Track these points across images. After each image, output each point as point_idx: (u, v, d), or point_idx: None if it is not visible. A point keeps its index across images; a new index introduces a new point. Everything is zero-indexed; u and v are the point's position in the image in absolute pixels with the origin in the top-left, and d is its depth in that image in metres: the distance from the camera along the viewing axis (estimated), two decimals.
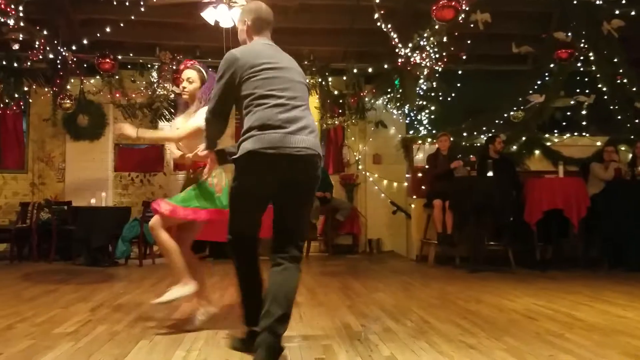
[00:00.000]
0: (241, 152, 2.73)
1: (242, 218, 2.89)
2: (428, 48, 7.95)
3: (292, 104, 2.78)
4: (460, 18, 7.04)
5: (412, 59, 8.04)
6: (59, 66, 8.45)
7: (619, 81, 8.43)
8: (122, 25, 7.91)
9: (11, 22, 7.03)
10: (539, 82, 8.61)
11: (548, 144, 8.58)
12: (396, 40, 7.89)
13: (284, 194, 2.80)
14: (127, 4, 7.48)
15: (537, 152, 8.53)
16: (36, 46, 7.86)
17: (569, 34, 8.19)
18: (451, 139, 7.87)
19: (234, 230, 2.89)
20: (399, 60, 8.15)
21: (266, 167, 2.71)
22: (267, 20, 3.07)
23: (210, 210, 3.54)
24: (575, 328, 3.57)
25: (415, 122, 9.10)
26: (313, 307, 4.37)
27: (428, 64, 8.06)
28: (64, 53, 8.27)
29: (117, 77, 8.71)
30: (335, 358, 2.87)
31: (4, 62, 8.28)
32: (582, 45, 8.34)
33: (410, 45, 8.01)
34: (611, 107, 8.52)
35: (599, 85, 8.60)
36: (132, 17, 7.68)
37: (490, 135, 7.91)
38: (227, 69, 2.84)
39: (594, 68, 8.59)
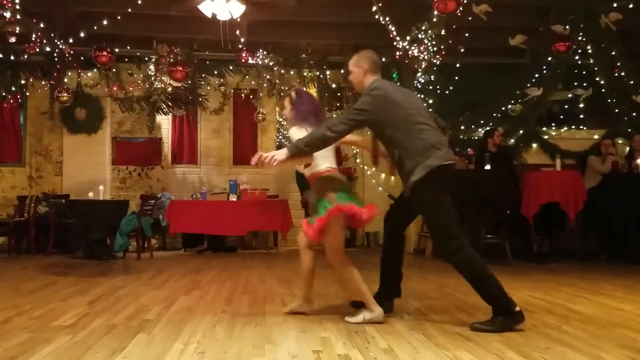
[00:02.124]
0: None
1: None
2: (426, 41, 7.94)
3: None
4: (458, 11, 7.01)
5: (410, 52, 8.03)
6: (56, 59, 8.44)
7: (616, 74, 8.43)
8: (119, 18, 7.88)
9: (8, 14, 7.00)
10: (536, 75, 8.59)
11: (545, 137, 8.58)
12: (394, 33, 7.87)
13: None
14: None
15: (534, 145, 8.54)
16: (33, 39, 7.83)
17: (567, 27, 8.17)
18: (449, 132, 7.85)
19: (460, 235, 3.38)
20: (397, 53, 8.13)
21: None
22: (379, 63, 3.70)
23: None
24: (572, 320, 3.59)
25: None
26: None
27: (426, 57, 8.04)
28: (61, 46, 8.25)
29: (114, 70, 8.70)
30: (333, 350, 2.88)
31: (1, 55, 8.25)
32: (580, 38, 8.32)
33: (408, 38, 7.99)
34: (609, 100, 8.52)
35: (597, 79, 8.60)
36: (129, 10, 7.65)
37: (488, 128, 7.90)
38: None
39: (592, 61, 8.59)
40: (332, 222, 3.46)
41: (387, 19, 7.71)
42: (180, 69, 8.31)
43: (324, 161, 3.62)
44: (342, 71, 8.86)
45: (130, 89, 8.76)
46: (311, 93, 3.93)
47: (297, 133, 3.60)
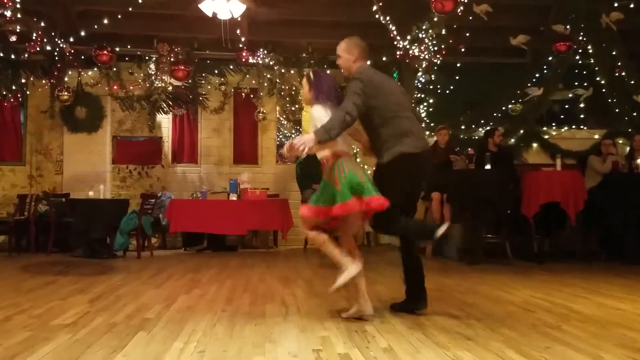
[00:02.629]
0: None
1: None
2: (427, 40, 7.94)
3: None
4: (459, 10, 7.01)
5: (410, 52, 8.03)
6: (56, 58, 8.44)
7: (617, 74, 8.43)
8: (119, 17, 7.87)
9: (8, 13, 6.99)
10: (537, 75, 8.59)
11: (546, 137, 8.58)
12: (395, 32, 7.87)
13: None
14: None
15: (535, 145, 8.53)
16: (34, 38, 7.83)
17: (568, 26, 8.17)
18: (450, 132, 7.87)
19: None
20: (398, 52, 8.13)
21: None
22: (367, 50, 3.95)
23: (325, 208, 3.54)
24: (572, 320, 3.59)
25: None
26: (311, 298, 4.39)
27: (427, 57, 8.05)
28: (61, 45, 8.25)
29: (114, 69, 8.70)
30: (333, 349, 2.88)
31: (1, 54, 8.26)
32: (580, 37, 8.32)
33: (409, 37, 7.99)
34: (609, 100, 8.52)
35: (598, 78, 8.60)
36: (130, 9, 7.65)
37: (489, 128, 7.91)
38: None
39: (592, 61, 8.59)
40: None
41: (388, 18, 7.70)
42: (182, 67, 8.31)
43: (342, 145, 3.64)
44: (343, 70, 8.86)
45: (131, 88, 8.77)
46: (328, 73, 3.95)
47: (321, 112, 3.62)
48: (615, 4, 8.03)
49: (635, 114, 8.41)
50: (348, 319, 3.58)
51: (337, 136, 3.52)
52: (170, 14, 8.27)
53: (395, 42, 8.00)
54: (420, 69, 8.31)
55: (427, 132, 8.56)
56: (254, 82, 9.16)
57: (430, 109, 8.85)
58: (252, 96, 9.24)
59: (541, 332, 3.26)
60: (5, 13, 6.98)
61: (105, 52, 8.11)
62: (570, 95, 8.91)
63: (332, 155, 3.59)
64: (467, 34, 8.15)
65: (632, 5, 7.94)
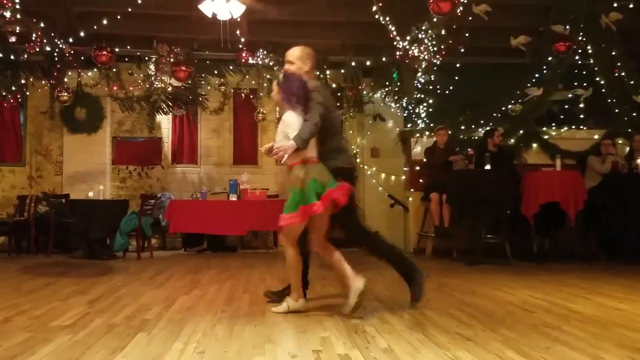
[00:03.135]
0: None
1: None
2: (426, 41, 7.93)
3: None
4: (458, 10, 7.01)
5: (410, 52, 8.02)
6: (56, 59, 8.42)
7: (617, 74, 8.43)
8: (119, 17, 7.87)
9: (8, 14, 6.99)
10: (537, 75, 8.59)
11: (546, 137, 8.57)
12: (394, 32, 7.86)
13: None
14: None
15: (534, 145, 8.53)
16: (33, 39, 7.82)
17: (567, 26, 8.17)
18: (449, 132, 7.87)
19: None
20: (397, 53, 8.13)
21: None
22: (316, 61, 4.18)
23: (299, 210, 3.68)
24: (572, 320, 3.59)
25: (414, 116, 9.07)
26: (310, 299, 4.38)
27: (426, 57, 8.04)
28: (61, 46, 8.24)
29: (114, 69, 8.68)
30: (333, 350, 2.88)
31: (1, 55, 8.25)
32: (580, 38, 8.32)
33: (408, 38, 7.99)
34: (609, 100, 8.52)
35: (597, 78, 8.59)
36: (129, 10, 7.65)
37: (488, 128, 7.91)
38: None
39: (592, 61, 8.58)
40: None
41: (387, 18, 7.70)
42: (184, 68, 8.30)
43: (312, 150, 3.78)
44: (342, 71, 8.86)
45: (131, 88, 8.75)
46: (301, 76, 3.92)
47: (293, 118, 3.73)
48: (615, 4, 8.02)
49: (634, 114, 8.39)
50: (349, 315, 3.63)
51: (308, 143, 3.69)
52: (169, 14, 8.26)
53: (395, 43, 8.00)
54: (419, 70, 8.30)
55: (427, 133, 8.60)
56: (253, 82, 9.16)
57: (430, 109, 8.85)
58: (251, 97, 9.24)
59: (541, 332, 3.26)
60: (5, 14, 6.97)
61: (104, 52, 8.10)
62: (569, 95, 8.89)
63: (300, 161, 3.71)
64: (467, 34, 8.13)
65: (631, 6, 7.93)
